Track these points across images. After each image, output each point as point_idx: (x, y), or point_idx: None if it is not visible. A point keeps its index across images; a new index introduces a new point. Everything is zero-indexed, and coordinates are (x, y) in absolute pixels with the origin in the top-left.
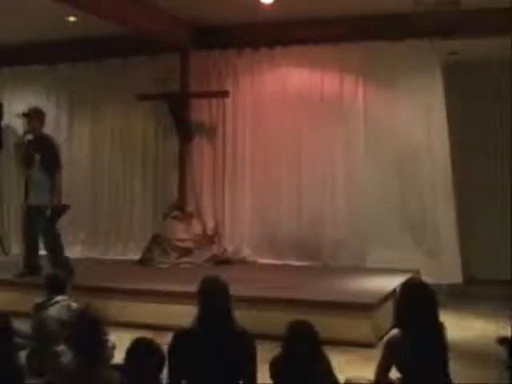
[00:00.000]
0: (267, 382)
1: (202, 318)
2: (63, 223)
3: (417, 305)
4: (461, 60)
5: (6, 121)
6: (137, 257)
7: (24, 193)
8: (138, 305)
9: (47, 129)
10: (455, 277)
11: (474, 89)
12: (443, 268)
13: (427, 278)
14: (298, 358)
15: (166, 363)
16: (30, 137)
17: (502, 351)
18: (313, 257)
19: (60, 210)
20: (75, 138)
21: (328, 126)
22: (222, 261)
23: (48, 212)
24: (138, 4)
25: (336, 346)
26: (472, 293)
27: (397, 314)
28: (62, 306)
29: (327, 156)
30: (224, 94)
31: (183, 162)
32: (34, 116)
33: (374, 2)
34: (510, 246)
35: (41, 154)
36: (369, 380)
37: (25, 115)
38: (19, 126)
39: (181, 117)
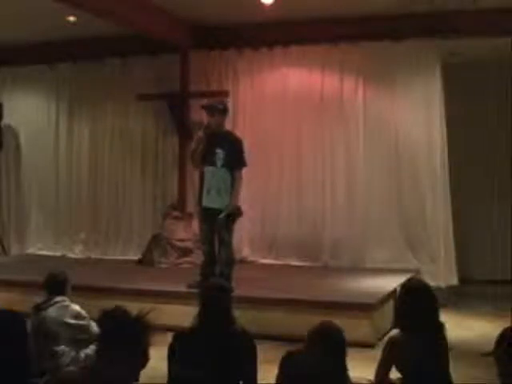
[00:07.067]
0: (267, 382)
1: (202, 318)
2: (63, 223)
3: (417, 305)
4: (461, 60)
5: (6, 121)
6: (137, 257)
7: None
8: (138, 305)
9: (47, 129)
10: (451, 278)
11: (474, 89)
12: (439, 269)
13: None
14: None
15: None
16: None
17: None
18: (313, 257)
19: (235, 214)
20: (75, 138)
21: (328, 126)
22: None
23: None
24: (137, 4)
25: None
26: (472, 293)
27: (397, 314)
28: (61, 306)
29: (327, 156)
30: (224, 94)
31: (183, 162)
32: (217, 109)
33: (374, 2)
34: (510, 246)
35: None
36: (369, 380)
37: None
38: (19, 125)
39: (181, 117)
